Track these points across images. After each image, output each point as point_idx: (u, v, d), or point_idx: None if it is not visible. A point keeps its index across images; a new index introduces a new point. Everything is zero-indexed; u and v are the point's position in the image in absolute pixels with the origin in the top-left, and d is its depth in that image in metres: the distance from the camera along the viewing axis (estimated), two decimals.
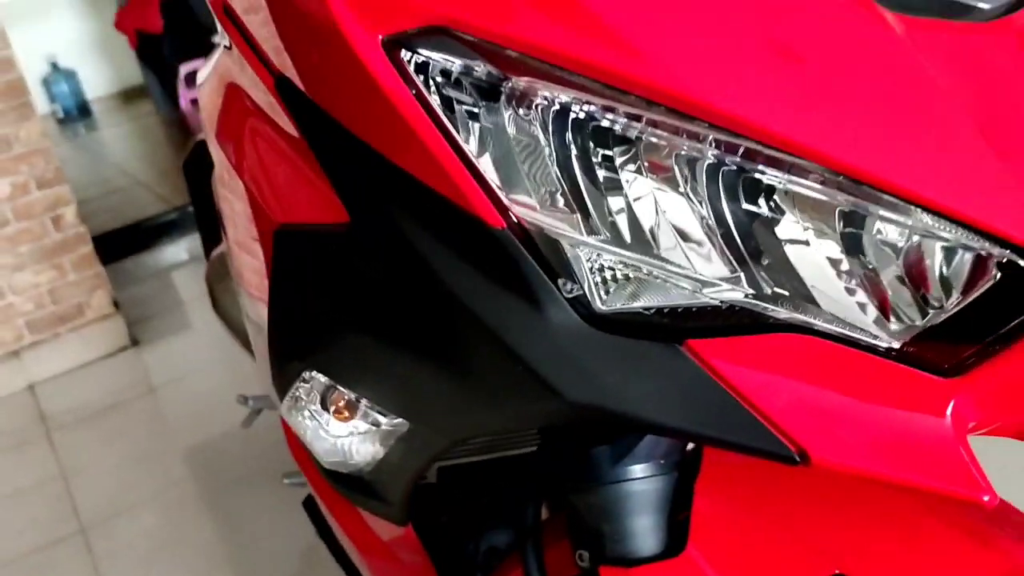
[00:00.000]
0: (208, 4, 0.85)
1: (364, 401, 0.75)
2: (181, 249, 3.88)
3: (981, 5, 0.54)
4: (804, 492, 0.75)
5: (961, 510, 0.76)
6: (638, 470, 0.74)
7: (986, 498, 0.51)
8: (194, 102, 5.88)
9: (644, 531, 0.75)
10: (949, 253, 0.50)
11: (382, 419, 0.74)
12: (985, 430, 0.54)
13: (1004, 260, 0.49)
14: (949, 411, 0.52)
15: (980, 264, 0.50)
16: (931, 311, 0.52)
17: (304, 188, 0.70)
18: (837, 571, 0.71)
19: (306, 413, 0.79)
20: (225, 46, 0.93)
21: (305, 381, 0.77)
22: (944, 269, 0.51)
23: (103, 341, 3.06)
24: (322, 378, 0.76)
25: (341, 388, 0.75)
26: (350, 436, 0.77)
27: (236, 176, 0.83)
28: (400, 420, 0.72)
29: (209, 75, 0.95)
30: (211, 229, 1.94)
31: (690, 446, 0.78)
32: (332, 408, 0.78)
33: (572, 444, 0.76)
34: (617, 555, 0.75)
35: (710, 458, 0.76)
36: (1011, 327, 0.51)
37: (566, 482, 0.77)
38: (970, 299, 0.51)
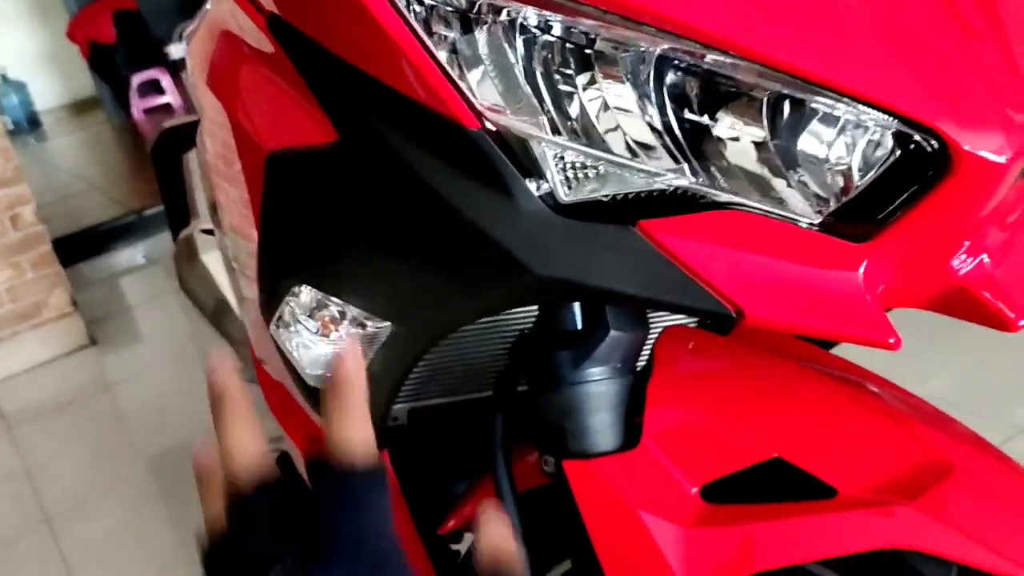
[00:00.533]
0: None
1: (351, 312, 0.82)
2: (138, 253, 3.91)
3: None
4: (746, 390, 0.84)
5: (883, 402, 0.85)
6: (596, 372, 0.83)
7: (891, 340, 0.60)
8: (147, 111, 5.92)
9: (603, 428, 0.83)
10: (855, 133, 0.59)
11: (368, 324, 0.81)
12: (897, 295, 0.63)
13: (903, 135, 0.58)
14: (861, 270, 0.61)
15: (884, 142, 0.59)
16: (843, 189, 0.61)
17: (294, 114, 0.78)
18: (776, 454, 0.80)
19: (294, 328, 0.86)
20: (207, 7, 1.01)
21: (295, 295, 0.84)
22: (853, 149, 0.60)
23: (62, 339, 3.09)
24: (309, 292, 0.84)
25: (330, 300, 0.83)
26: (335, 344, 0.85)
27: (227, 116, 0.91)
28: (384, 324, 0.79)
29: (197, 29, 1.02)
30: (179, 212, 2.00)
31: (644, 356, 0.86)
32: (319, 322, 0.85)
33: (537, 350, 0.85)
34: (579, 450, 0.82)
35: (661, 364, 0.85)
36: (907, 195, 0.60)
37: (532, 386, 0.85)
38: (876, 174, 0.60)
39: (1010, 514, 0.76)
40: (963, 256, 0.64)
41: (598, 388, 0.83)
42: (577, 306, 0.83)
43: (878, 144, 0.59)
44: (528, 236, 0.65)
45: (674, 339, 0.89)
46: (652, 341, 0.88)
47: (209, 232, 2.00)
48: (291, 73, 0.78)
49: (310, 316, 0.85)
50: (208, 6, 0.99)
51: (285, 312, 0.86)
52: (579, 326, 0.84)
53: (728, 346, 0.90)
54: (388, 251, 0.72)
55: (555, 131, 0.65)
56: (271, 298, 0.87)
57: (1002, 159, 0.57)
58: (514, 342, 0.91)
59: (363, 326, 0.81)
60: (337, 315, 0.84)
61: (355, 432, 0.52)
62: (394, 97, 0.68)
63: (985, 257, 0.64)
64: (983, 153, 0.57)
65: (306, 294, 0.84)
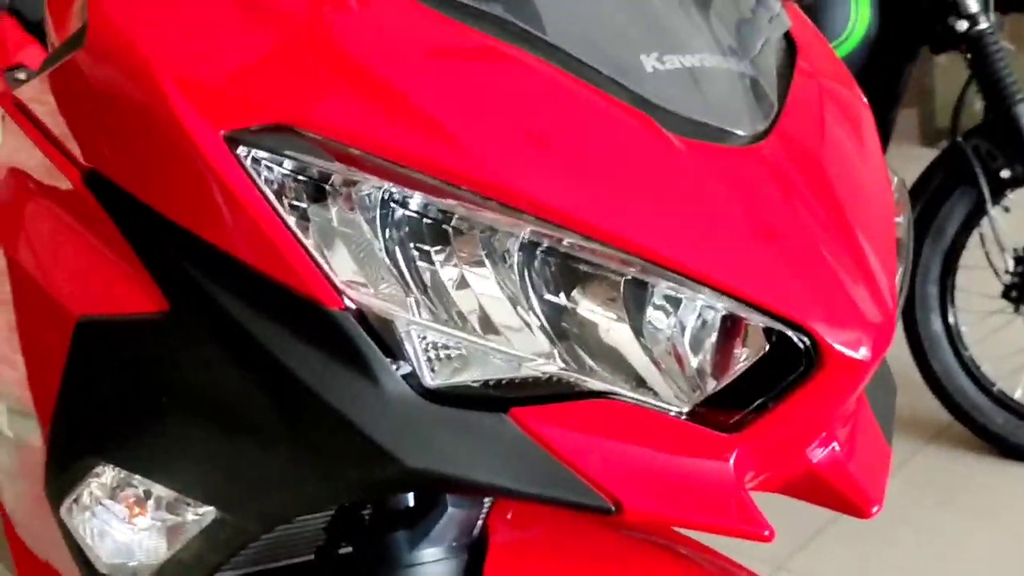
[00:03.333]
0: None
1: (161, 494, 0.74)
2: None
3: (738, 132, 0.66)
4: (580, 563, 0.83)
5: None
6: (432, 553, 0.79)
7: (766, 532, 0.61)
8: None
9: None
10: (723, 325, 0.61)
11: (186, 510, 0.73)
12: (758, 481, 0.64)
13: (773, 331, 0.60)
14: (732, 461, 0.62)
15: (750, 334, 0.61)
16: (709, 381, 0.62)
17: (110, 277, 0.71)
18: None
19: (92, 511, 0.77)
20: None
21: (97, 476, 0.75)
22: (717, 341, 0.61)
23: None
24: (112, 473, 0.75)
25: (136, 481, 0.75)
26: (139, 533, 0.76)
27: (8, 272, 0.82)
28: (207, 509, 0.72)
29: None
30: None
31: (476, 529, 0.83)
32: (123, 503, 0.76)
33: (369, 532, 0.80)
34: None
35: (499, 538, 0.82)
36: (777, 390, 0.62)
37: (359, 560, 0.80)
38: (743, 367, 0.61)
39: None
40: (817, 445, 0.66)
41: (434, 570, 0.79)
42: None
43: (750, 339, 0.60)
44: (395, 424, 0.61)
45: (509, 509, 0.87)
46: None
47: None
48: (109, 232, 0.71)
49: (113, 498, 0.76)
50: None
51: (84, 495, 0.77)
52: (411, 503, 0.80)
53: (556, 514, 0.89)
54: (228, 431, 0.66)
55: (419, 312, 0.62)
56: (65, 477, 0.77)
57: (867, 356, 0.60)
58: (334, 515, 0.85)
59: (174, 511, 0.73)
60: (143, 495, 0.76)
61: None
62: (242, 270, 0.63)
63: (836, 446, 0.66)
64: (850, 352, 0.59)
65: (110, 473, 0.76)
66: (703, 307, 0.60)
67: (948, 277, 2.47)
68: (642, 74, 0.65)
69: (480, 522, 0.84)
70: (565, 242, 0.60)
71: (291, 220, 0.62)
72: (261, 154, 0.61)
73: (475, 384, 0.63)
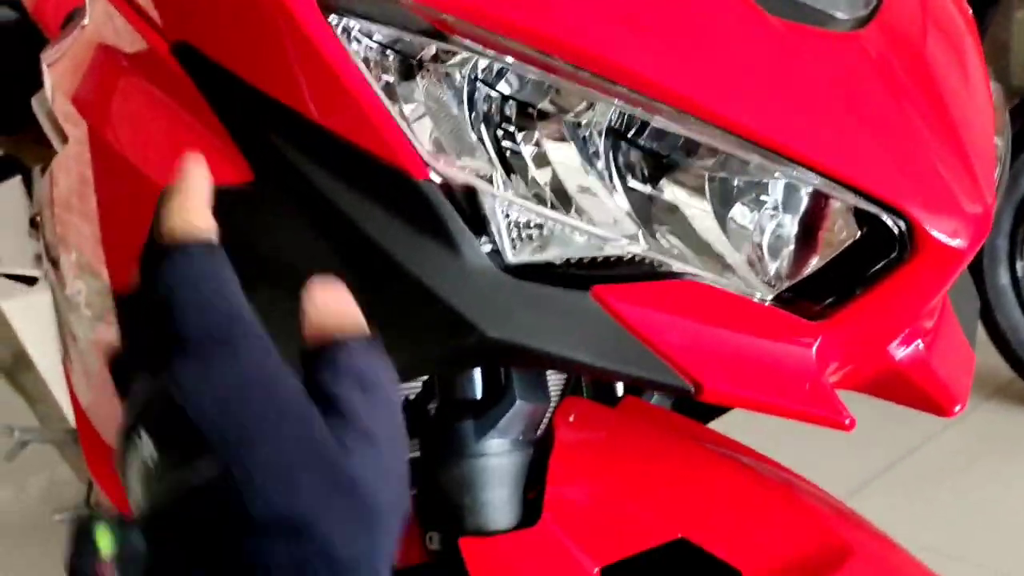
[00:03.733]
0: None
1: None
2: None
3: (839, 15, 0.65)
4: (648, 467, 0.82)
5: (783, 485, 0.85)
6: (498, 445, 0.79)
7: (847, 421, 0.60)
8: None
9: (502, 504, 0.79)
10: (811, 206, 0.60)
11: None
12: (842, 374, 0.63)
13: (864, 217, 0.59)
14: (815, 348, 0.61)
15: (841, 218, 0.60)
16: (805, 266, 0.61)
17: (197, 147, 0.71)
18: (679, 535, 0.78)
19: None
20: (82, 25, 0.92)
21: None
22: (818, 226, 0.60)
23: None
24: None
25: None
26: None
27: (89, 144, 0.83)
28: None
29: (64, 52, 0.93)
30: None
31: (543, 426, 0.83)
32: None
33: (435, 418, 0.80)
34: (476, 527, 0.78)
35: (562, 437, 0.82)
36: (867, 276, 0.60)
37: (424, 456, 0.80)
38: (834, 252, 0.60)
39: None
40: (900, 342, 0.65)
41: (499, 462, 0.79)
42: (478, 373, 0.80)
43: (845, 222, 0.59)
44: (477, 295, 0.61)
45: (572, 411, 0.86)
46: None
47: (11, 277, 1.84)
48: (196, 103, 0.71)
49: None
50: (85, 22, 0.90)
51: None
52: (479, 395, 0.80)
53: (624, 421, 0.89)
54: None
55: (505, 186, 0.62)
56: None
57: (963, 244, 0.58)
58: (404, 405, 0.86)
59: None
60: None
61: (197, 218, 0.47)
62: (328, 139, 0.63)
63: (920, 344, 0.65)
64: (946, 238, 0.58)
65: None
66: (790, 187, 0.59)
67: (1019, 231, 2.42)
68: None
69: (547, 419, 0.84)
70: (656, 119, 0.59)
71: (380, 90, 0.61)
72: (352, 23, 0.60)
73: (557, 262, 0.62)
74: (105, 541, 0.40)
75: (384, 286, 0.63)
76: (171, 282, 0.45)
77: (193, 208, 0.48)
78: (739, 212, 0.61)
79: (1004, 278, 2.42)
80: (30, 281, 1.80)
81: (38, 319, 1.55)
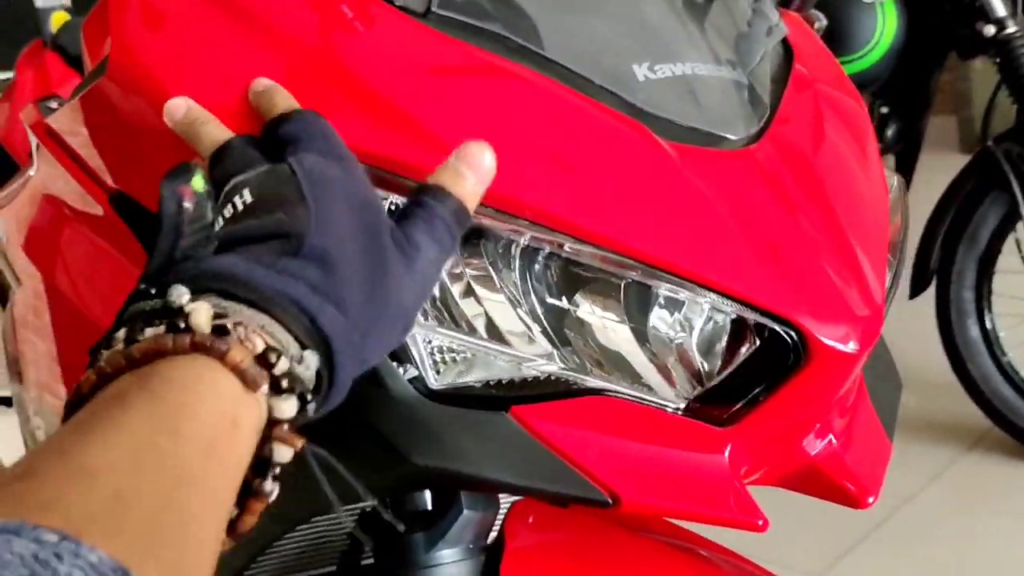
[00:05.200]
0: (29, 129, 0.88)
1: None
2: None
3: (729, 136, 0.69)
4: (596, 565, 0.84)
5: (723, 572, 0.87)
6: (449, 554, 0.81)
7: (760, 523, 0.62)
8: None
9: None
10: (716, 324, 0.63)
11: None
12: (757, 475, 0.66)
13: (761, 328, 0.62)
14: (727, 453, 0.64)
15: (741, 331, 0.63)
16: (705, 377, 0.64)
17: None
18: None
19: None
20: (29, 175, 0.96)
21: None
22: (712, 339, 0.63)
23: None
24: None
25: None
26: None
27: (47, 297, 0.86)
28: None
29: (14, 196, 0.97)
30: None
31: (494, 532, 0.85)
32: None
33: (388, 534, 0.82)
34: None
35: (512, 540, 0.84)
36: (768, 384, 0.64)
37: (379, 565, 0.82)
38: (736, 363, 0.63)
39: None
40: (813, 438, 0.67)
41: (451, 571, 0.81)
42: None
43: (743, 335, 0.63)
44: (402, 424, 0.64)
45: (523, 514, 0.89)
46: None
47: None
48: (136, 253, 0.75)
49: None
50: (31, 172, 0.94)
51: None
52: (429, 506, 0.83)
53: (576, 519, 0.91)
54: None
55: (424, 317, 0.65)
56: None
57: (854, 349, 0.62)
58: (359, 518, 0.88)
59: None
60: None
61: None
62: None
63: (832, 439, 0.68)
64: (836, 344, 0.61)
65: None
66: (710, 308, 0.62)
67: (984, 282, 2.46)
68: (634, 83, 0.68)
69: (497, 525, 0.87)
70: (566, 247, 0.63)
71: None
72: None
73: (477, 384, 0.65)
74: (199, 180, 0.56)
75: (323, 424, 0.66)
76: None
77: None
78: (657, 317, 0.64)
79: (974, 330, 2.45)
80: (7, 402, 1.82)
81: (15, 441, 1.57)
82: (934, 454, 2.50)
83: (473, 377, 0.66)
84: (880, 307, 0.65)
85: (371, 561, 0.85)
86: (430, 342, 0.66)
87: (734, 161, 0.67)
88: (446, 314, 0.65)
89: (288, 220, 0.53)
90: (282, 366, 0.49)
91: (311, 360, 0.52)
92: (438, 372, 0.66)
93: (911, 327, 2.81)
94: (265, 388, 0.49)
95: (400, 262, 0.56)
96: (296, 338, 0.51)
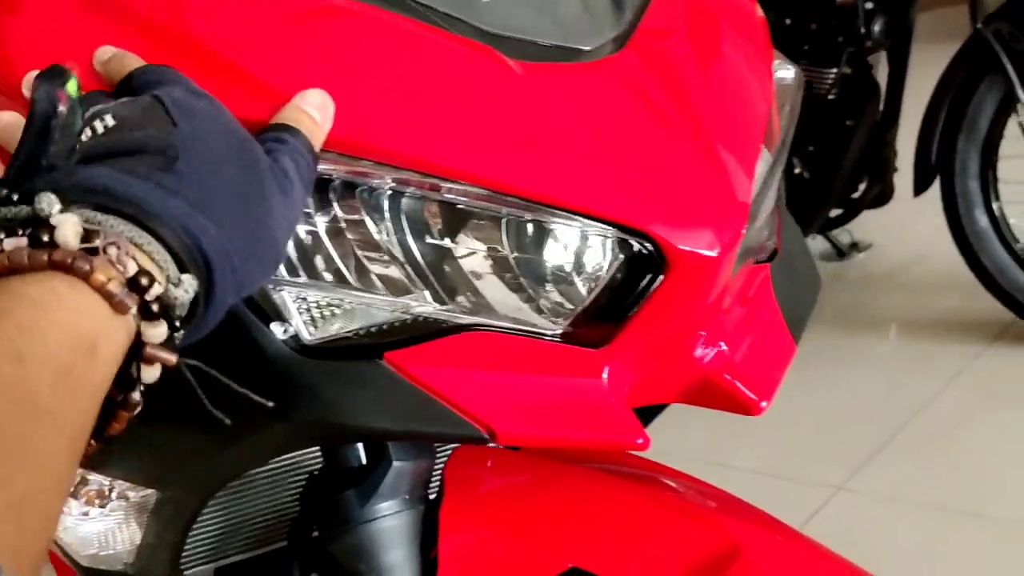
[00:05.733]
0: None
1: (117, 486, 0.78)
2: None
3: (584, 48, 0.66)
4: (540, 503, 0.84)
5: (671, 493, 0.86)
6: (385, 507, 0.80)
7: (640, 441, 0.61)
8: None
9: (400, 565, 0.80)
10: (583, 245, 0.61)
11: (130, 494, 0.77)
12: (648, 392, 0.64)
13: (627, 244, 0.60)
14: (605, 375, 0.62)
15: (607, 249, 0.61)
16: (577, 300, 0.62)
17: None
18: (571, 566, 0.80)
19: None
20: None
21: None
22: (580, 260, 0.61)
23: None
24: None
25: (92, 477, 0.78)
26: (105, 520, 0.80)
27: None
28: (148, 491, 0.75)
29: None
30: None
31: (432, 482, 0.85)
32: (83, 499, 0.80)
33: (324, 492, 0.82)
34: None
35: (452, 488, 0.84)
36: (631, 300, 0.62)
37: (323, 530, 0.82)
38: (603, 283, 0.62)
39: None
40: (704, 347, 0.65)
41: (389, 523, 0.80)
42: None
43: (603, 252, 0.61)
44: (277, 384, 0.63)
45: (464, 460, 0.88)
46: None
47: None
48: None
49: (73, 496, 0.80)
50: None
51: None
52: (363, 461, 0.82)
53: (518, 459, 0.90)
54: (142, 418, 0.69)
55: (292, 271, 0.64)
56: None
57: (714, 253, 0.59)
58: (304, 486, 0.88)
59: (126, 498, 0.77)
60: (106, 489, 0.80)
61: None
62: None
63: (723, 345, 0.66)
64: (696, 250, 0.59)
65: None
66: (578, 230, 0.61)
67: (988, 171, 2.39)
68: (478, 5, 0.65)
69: (436, 474, 0.86)
70: (412, 185, 0.61)
71: None
72: None
73: (351, 335, 0.64)
74: (73, 84, 0.52)
75: (196, 391, 0.65)
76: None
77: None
78: (523, 244, 0.62)
79: (983, 221, 2.39)
80: None
81: None
82: (954, 353, 2.46)
83: (347, 327, 0.64)
84: (744, 207, 0.62)
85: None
86: (304, 298, 0.65)
87: (589, 74, 0.65)
88: (316, 267, 0.64)
89: (157, 136, 0.50)
90: (155, 291, 0.47)
91: (189, 284, 0.49)
92: (316, 326, 0.65)
93: (919, 225, 2.76)
94: (134, 310, 0.46)
95: (277, 190, 0.54)
96: (175, 258, 0.48)
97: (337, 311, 0.65)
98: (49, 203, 0.46)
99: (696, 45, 0.71)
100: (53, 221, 0.45)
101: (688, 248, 0.59)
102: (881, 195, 2.74)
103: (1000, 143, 2.40)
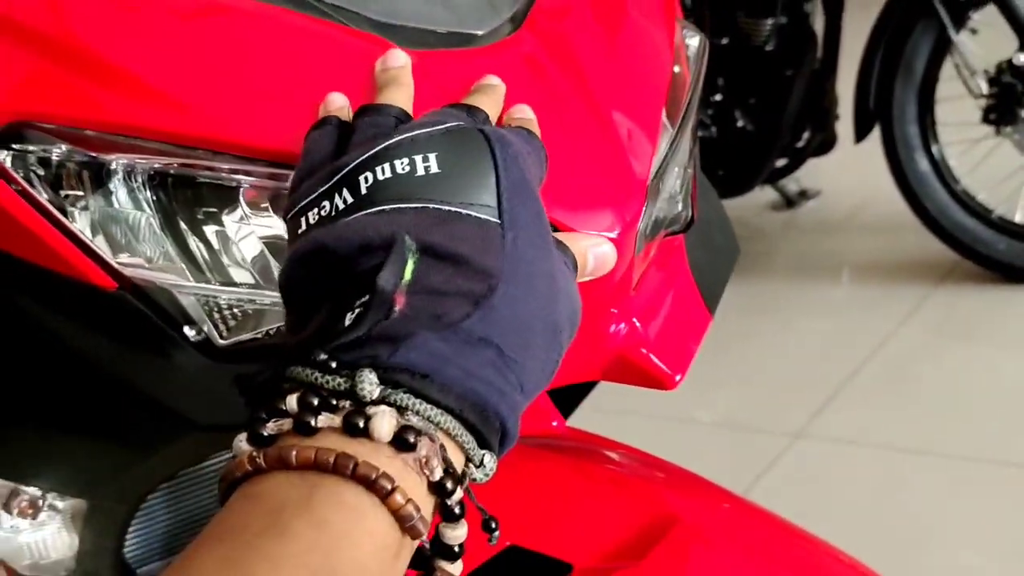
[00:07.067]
0: None
1: (48, 497, 0.77)
2: None
3: (477, 33, 0.66)
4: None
5: (608, 466, 0.87)
6: None
7: (555, 424, 0.61)
8: None
9: None
10: None
11: (59, 505, 0.76)
12: (569, 373, 0.64)
13: None
14: None
15: None
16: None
17: None
18: (509, 543, 0.80)
19: None
20: None
21: None
22: None
23: None
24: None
25: (23, 488, 0.78)
26: (39, 531, 0.80)
27: None
28: (78, 501, 0.75)
29: None
30: None
31: None
32: (16, 511, 0.80)
33: None
34: None
35: None
36: None
37: None
38: None
39: (735, 556, 0.79)
40: (616, 324, 0.66)
41: None
42: None
43: None
44: (185, 389, 0.63)
45: None
46: None
47: None
48: None
49: (7, 509, 0.80)
50: None
51: None
52: None
53: None
54: (58, 426, 0.69)
55: (197, 278, 0.63)
56: None
57: (613, 234, 0.59)
58: None
59: (56, 508, 0.77)
60: (38, 499, 0.79)
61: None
62: (21, 267, 0.65)
63: (636, 321, 0.66)
64: (594, 232, 0.59)
65: None
66: None
67: (927, 114, 2.42)
68: None
69: None
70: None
71: (52, 209, 0.63)
72: (3, 154, 0.62)
73: (260, 335, 0.64)
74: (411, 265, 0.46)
75: (107, 400, 0.65)
76: None
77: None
78: None
79: (923, 164, 2.42)
80: None
81: None
82: (903, 294, 2.49)
83: (257, 328, 0.64)
84: (642, 184, 0.62)
85: None
86: (216, 300, 0.64)
87: (482, 59, 0.64)
88: (218, 271, 0.64)
89: (479, 249, 0.46)
90: (457, 496, 0.45)
91: (490, 464, 0.47)
92: (228, 329, 0.65)
93: (865, 170, 2.78)
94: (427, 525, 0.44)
95: (563, 272, 0.51)
96: (477, 436, 0.45)
97: (252, 310, 0.64)
98: (371, 387, 0.43)
99: (595, 18, 0.70)
100: (369, 411, 0.43)
101: (588, 230, 0.59)
102: (824, 143, 2.75)
103: (936, 85, 2.41)
